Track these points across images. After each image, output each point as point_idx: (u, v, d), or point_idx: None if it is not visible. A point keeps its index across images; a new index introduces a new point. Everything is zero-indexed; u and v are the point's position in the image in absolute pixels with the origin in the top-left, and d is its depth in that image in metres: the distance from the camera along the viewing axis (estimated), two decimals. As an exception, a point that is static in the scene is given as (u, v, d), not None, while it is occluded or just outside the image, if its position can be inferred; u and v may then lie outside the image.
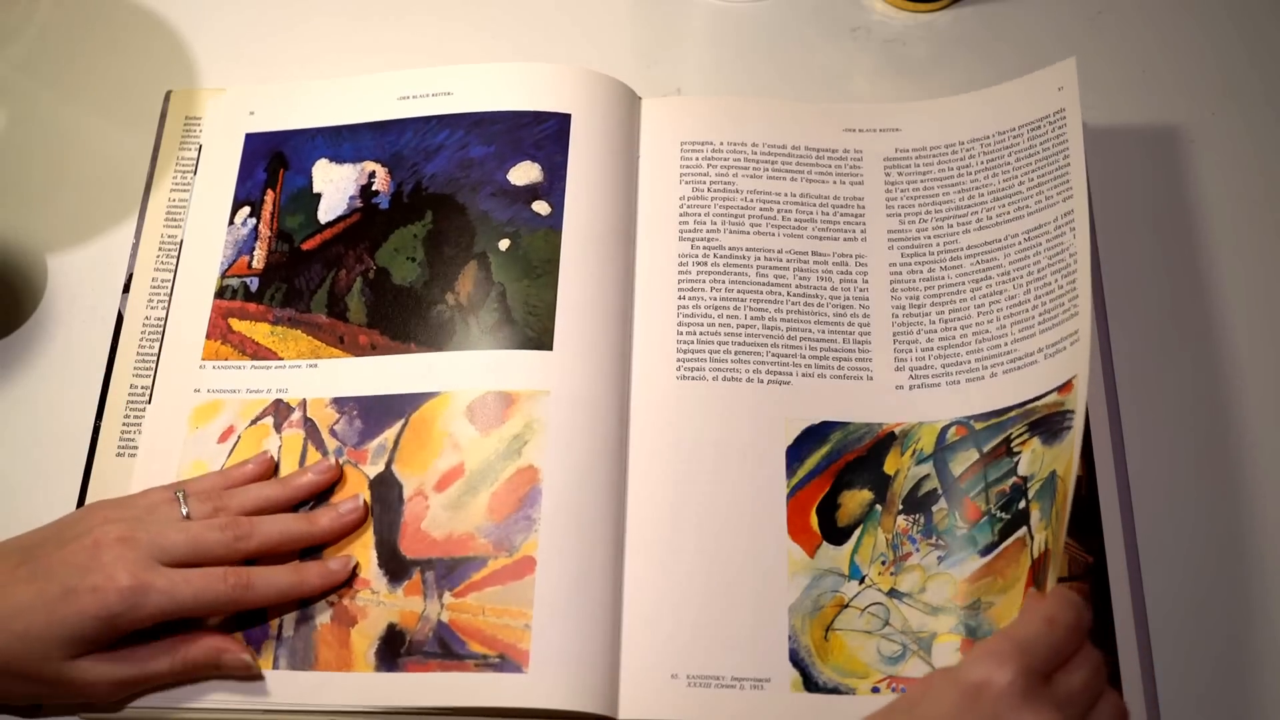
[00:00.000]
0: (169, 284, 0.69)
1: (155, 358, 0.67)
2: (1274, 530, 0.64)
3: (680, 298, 0.68)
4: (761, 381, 0.66)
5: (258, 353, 0.67)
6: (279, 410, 0.65)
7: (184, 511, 0.58)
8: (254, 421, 0.65)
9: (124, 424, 0.66)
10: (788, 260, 0.69)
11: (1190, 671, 0.61)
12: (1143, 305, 0.70)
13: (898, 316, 0.68)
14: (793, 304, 0.68)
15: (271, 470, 0.63)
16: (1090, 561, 0.62)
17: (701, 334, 0.67)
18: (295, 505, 0.62)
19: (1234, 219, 0.73)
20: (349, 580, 0.60)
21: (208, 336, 0.67)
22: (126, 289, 0.69)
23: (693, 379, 0.65)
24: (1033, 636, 0.49)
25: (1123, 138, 0.75)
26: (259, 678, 0.58)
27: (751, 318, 0.67)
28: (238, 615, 0.59)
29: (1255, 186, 0.74)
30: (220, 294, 0.68)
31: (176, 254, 0.70)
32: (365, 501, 0.62)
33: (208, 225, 0.70)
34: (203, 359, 0.66)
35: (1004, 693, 0.47)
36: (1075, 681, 0.49)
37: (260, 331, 0.67)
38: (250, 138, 0.73)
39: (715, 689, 0.59)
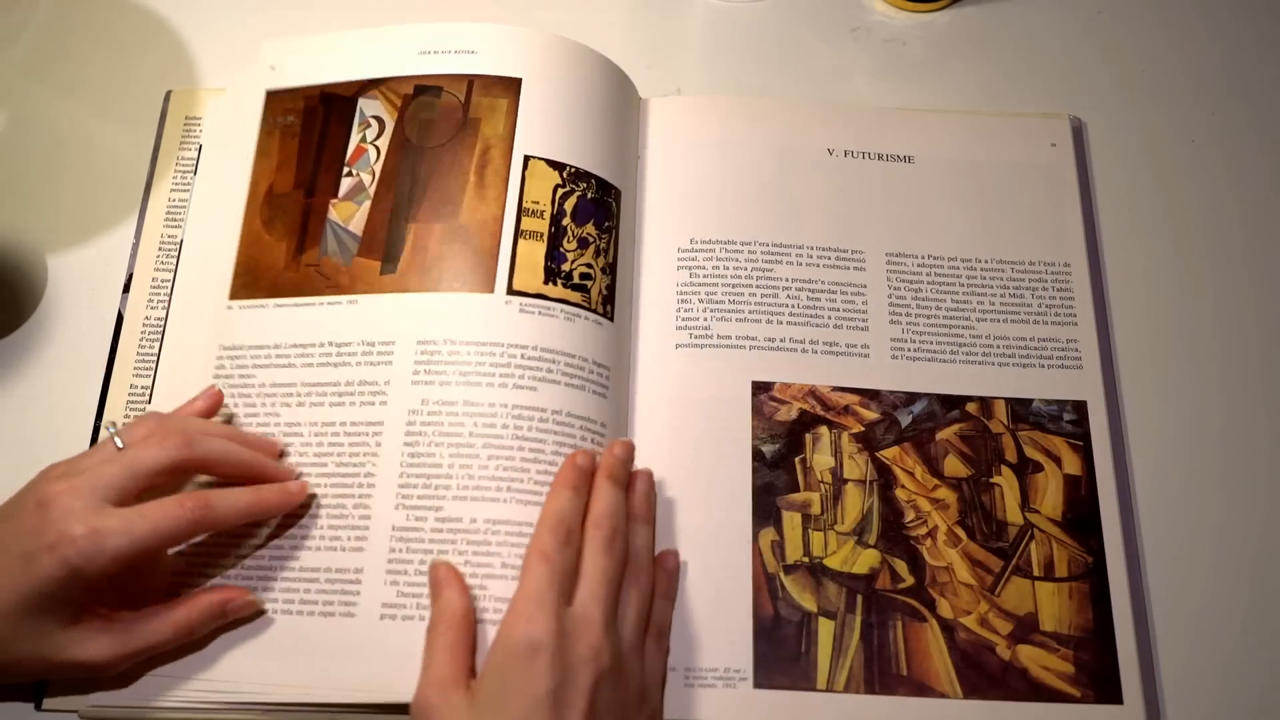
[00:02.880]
0: (169, 284, 0.69)
1: (155, 358, 0.67)
2: (1275, 529, 0.64)
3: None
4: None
5: None
6: None
7: (118, 445, 0.56)
8: None
9: (124, 424, 0.65)
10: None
11: (1191, 672, 0.61)
12: (1143, 304, 0.70)
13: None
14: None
15: (220, 404, 0.62)
16: (1090, 562, 0.62)
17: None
18: None
19: (1234, 218, 0.73)
20: (309, 504, 0.60)
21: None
22: (126, 289, 0.69)
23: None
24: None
25: (1122, 137, 0.75)
26: (264, 613, 0.58)
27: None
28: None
29: (1256, 186, 0.74)
30: None
31: (176, 254, 0.70)
32: None
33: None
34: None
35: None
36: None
37: None
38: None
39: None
